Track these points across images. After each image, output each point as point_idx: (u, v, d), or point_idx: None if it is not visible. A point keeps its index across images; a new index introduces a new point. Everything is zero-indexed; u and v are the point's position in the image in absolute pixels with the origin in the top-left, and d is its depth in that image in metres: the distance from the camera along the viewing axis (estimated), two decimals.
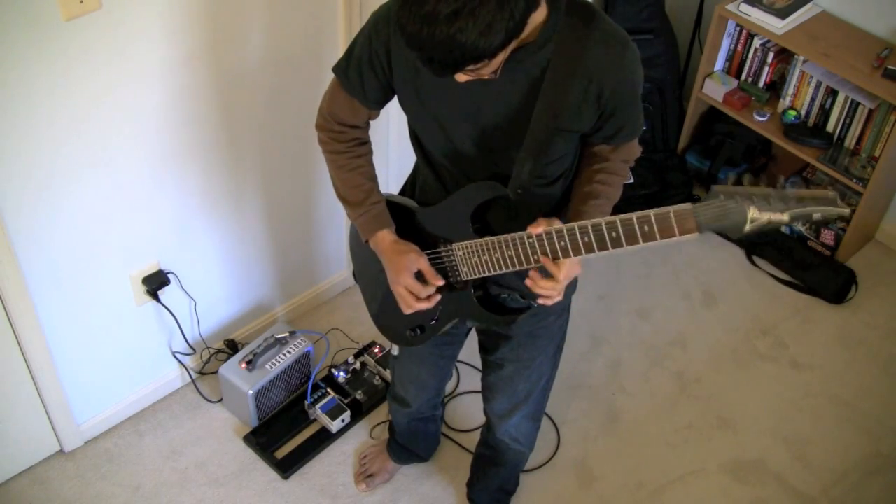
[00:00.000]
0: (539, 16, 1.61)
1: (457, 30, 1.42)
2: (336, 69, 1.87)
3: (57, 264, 2.43)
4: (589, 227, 1.65)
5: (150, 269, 2.67)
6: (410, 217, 1.98)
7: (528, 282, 1.78)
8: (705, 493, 2.85)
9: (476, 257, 1.86)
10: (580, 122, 1.74)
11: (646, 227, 1.59)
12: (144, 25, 2.21)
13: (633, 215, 1.60)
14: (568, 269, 1.74)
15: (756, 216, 1.49)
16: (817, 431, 3.02)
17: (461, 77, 1.57)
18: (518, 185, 1.79)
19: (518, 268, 1.79)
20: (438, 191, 1.93)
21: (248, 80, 2.54)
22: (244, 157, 2.70)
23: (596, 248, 1.66)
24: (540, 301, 1.82)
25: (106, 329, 2.67)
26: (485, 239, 1.82)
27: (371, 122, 1.96)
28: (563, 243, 1.69)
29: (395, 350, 2.34)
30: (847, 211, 1.47)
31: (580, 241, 1.67)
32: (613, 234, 1.63)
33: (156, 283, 2.68)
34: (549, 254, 1.72)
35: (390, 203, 2.00)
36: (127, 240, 2.56)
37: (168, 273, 2.71)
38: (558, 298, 1.81)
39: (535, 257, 1.74)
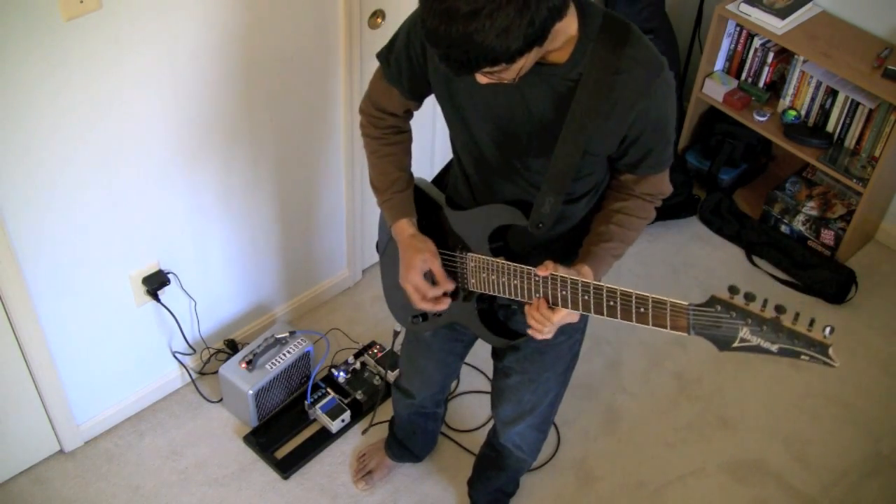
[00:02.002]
0: (568, 28, 1.59)
1: (473, 29, 1.42)
2: (379, 56, 1.88)
3: (57, 264, 2.43)
4: (591, 287, 1.66)
5: (150, 269, 2.67)
6: (437, 210, 1.99)
7: (526, 307, 1.78)
8: (705, 493, 2.85)
9: (485, 274, 1.87)
10: (604, 145, 1.72)
11: (641, 310, 1.61)
12: (144, 25, 2.21)
13: (633, 294, 1.61)
14: (562, 316, 1.74)
15: (746, 338, 1.50)
16: (817, 431, 3.02)
17: (481, 79, 1.57)
18: (538, 219, 1.78)
19: (520, 298, 1.80)
20: (465, 192, 1.94)
21: (248, 81, 2.54)
22: (244, 158, 2.70)
23: (592, 310, 1.68)
24: (530, 332, 1.81)
25: (106, 329, 2.67)
26: (497, 260, 1.83)
27: (415, 114, 1.97)
28: (563, 293, 1.70)
29: (398, 326, 2.36)
30: (836, 365, 1.45)
31: (580, 298, 1.69)
32: (611, 304, 1.64)
33: (156, 283, 2.68)
34: (549, 299, 1.73)
35: (420, 192, 2.01)
36: (127, 240, 2.56)
37: (168, 273, 2.71)
38: (547, 336, 1.80)
39: (537, 295, 1.75)
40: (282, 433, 2.88)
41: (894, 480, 2.90)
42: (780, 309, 1.47)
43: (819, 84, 3.41)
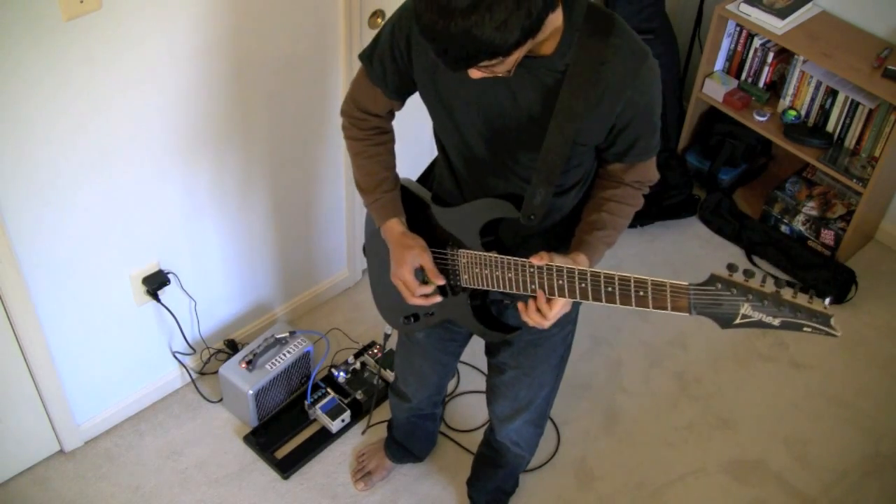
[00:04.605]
0: (556, 19, 1.59)
1: (472, 24, 1.42)
2: (362, 56, 1.88)
3: (57, 264, 2.43)
4: (588, 274, 1.66)
5: (150, 269, 2.67)
6: (424, 209, 1.99)
7: (520, 305, 1.78)
8: (705, 493, 2.85)
9: (478, 269, 1.87)
10: (593, 135, 1.73)
11: (640, 293, 1.60)
12: (144, 25, 2.21)
13: (632, 277, 1.60)
14: (560, 307, 1.74)
15: (748, 314, 1.49)
16: (817, 431, 3.02)
17: (475, 73, 1.57)
18: (530, 211, 1.79)
19: (514, 291, 1.80)
20: (453, 189, 1.94)
21: (247, 81, 2.54)
22: (244, 158, 2.70)
23: (590, 297, 1.67)
24: (525, 319, 1.81)
25: (106, 329, 2.67)
26: (489, 255, 1.83)
27: (396, 113, 1.98)
28: (560, 282, 1.70)
29: (388, 329, 2.36)
30: (838, 335, 1.45)
31: (577, 286, 1.68)
32: (609, 290, 1.64)
33: (156, 283, 2.68)
34: (546, 289, 1.72)
35: (407, 191, 2.01)
36: (127, 240, 2.56)
37: (168, 273, 2.71)
38: (545, 326, 1.80)
39: (533, 287, 1.75)
40: (282, 433, 2.88)
41: (894, 480, 2.90)
42: (779, 284, 1.48)
43: (819, 84, 3.41)
